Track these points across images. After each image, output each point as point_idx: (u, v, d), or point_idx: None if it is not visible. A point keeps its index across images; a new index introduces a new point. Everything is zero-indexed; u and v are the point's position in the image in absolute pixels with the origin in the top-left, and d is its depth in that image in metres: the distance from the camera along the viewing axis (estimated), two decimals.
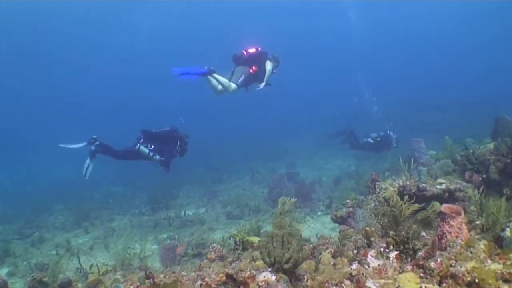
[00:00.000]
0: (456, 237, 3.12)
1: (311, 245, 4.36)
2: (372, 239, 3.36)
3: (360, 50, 33.86)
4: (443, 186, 4.71)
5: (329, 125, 16.52)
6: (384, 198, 5.08)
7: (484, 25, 35.41)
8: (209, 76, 7.16)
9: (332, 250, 3.68)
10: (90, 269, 6.77)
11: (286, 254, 3.11)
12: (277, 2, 30.74)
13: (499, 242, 3.41)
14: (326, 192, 9.76)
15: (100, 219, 10.17)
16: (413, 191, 4.69)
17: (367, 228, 3.40)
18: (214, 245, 4.71)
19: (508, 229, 3.52)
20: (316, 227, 7.72)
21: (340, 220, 5.24)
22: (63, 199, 12.41)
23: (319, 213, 8.37)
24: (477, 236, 3.72)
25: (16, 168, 22.00)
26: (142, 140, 7.55)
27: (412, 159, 6.42)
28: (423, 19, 36.40)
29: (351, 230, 4.84)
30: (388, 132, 11.40)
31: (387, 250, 3.05)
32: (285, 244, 3.32)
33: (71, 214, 10.52)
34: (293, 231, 4.21)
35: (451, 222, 3.15)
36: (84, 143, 7.34)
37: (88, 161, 7.31)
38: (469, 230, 3.83)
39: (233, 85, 7.25)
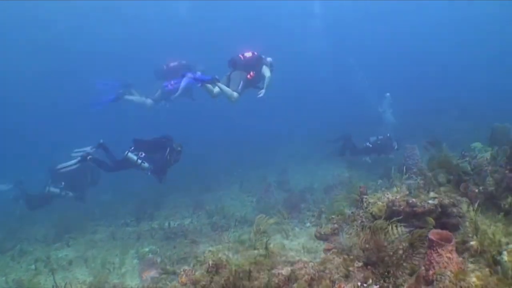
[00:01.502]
0: (445, 268, 2.74)
1: (289, 268, 4.00)
2: (351, 269, 2.98)
3: (361, 51, 33.52)
4: (435, 201, 4.32)
5: (327, 126, 16.26)
6: (371, 214, 4.70)
7: (485, 26, 35.10)
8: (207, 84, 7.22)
9: (309, 277, 3.31)
10: None
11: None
12: (274, 2, 30.42)
13: (495, 265, 3.06)
14: (317, 201, 9.35)
15: (83, 230, 9.76)
16: (402, 207, 4.29)
17: (345, 257, 3.01)
18: (186, 267, 4.34)
19: (505, 253, 3.14)
20: (304, 239, 7.31)
21: (324, 238, 4.85)
22: (48, 207, 11.97)
23: (308, 224, 7.97)
24: (471, 259, 3.35)
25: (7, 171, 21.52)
26: (132, 148, 7.59)
27: (405, 168, 6.04)
28: (424, 20, 36.07)
29: (335, 250, 4.46)
30: (388, 135, 11.04)
31: (365, 285, 2.67)
32: (253, 276, 2.94)
33: (53, 226, 10.11)
34: (267, 255, 3.83)
35: (440, 251, 2.77)
36: (78, 159, 7.48)
37: (79, 159, 7.45)
38: (463, 252, 3.46)
39: (235, 94, 7.15)
